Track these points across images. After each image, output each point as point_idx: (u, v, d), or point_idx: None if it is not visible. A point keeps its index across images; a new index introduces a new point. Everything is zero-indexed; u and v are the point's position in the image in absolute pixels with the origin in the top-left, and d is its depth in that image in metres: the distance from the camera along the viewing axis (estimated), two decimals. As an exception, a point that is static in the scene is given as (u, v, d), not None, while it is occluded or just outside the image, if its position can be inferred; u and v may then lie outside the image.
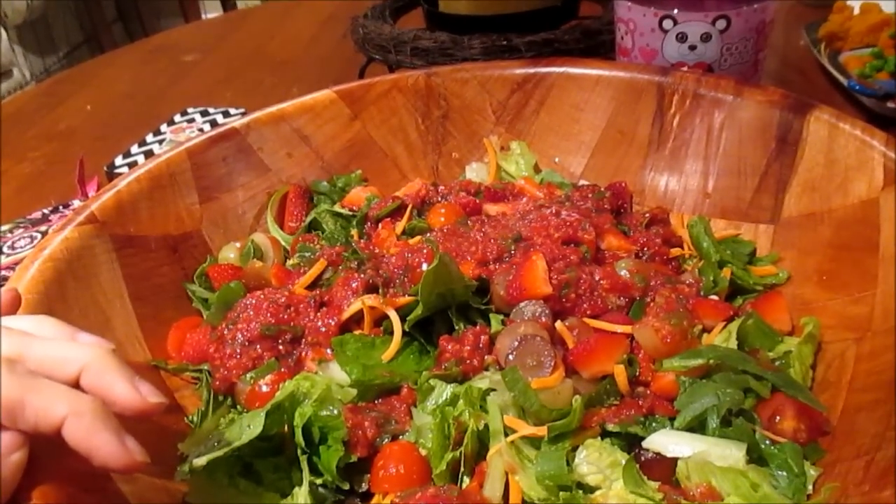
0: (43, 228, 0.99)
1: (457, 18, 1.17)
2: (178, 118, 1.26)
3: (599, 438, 0.59)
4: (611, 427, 0.59)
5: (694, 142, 0.84)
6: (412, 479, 0.58)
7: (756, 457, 0.57)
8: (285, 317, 0.69)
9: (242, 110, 1.23)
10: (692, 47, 0.93)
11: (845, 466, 0.55)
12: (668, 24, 0.93)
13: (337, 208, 0.87)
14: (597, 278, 0.69)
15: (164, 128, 1.24)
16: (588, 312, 0.67)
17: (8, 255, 0.95)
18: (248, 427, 0.57)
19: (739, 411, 0.59)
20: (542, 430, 0.58)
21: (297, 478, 0.59)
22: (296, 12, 1.79)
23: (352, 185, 0.90)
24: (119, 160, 1.16)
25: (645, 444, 0.58)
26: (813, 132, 0.76)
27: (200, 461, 0.55)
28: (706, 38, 0.92)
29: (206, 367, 0.71)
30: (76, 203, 1.04)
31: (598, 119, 0.90)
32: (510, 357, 0.62)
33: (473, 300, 0.68)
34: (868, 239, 0.68)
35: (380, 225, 0.81)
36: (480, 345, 0.65)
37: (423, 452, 0.60)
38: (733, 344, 0.65)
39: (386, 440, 0.61)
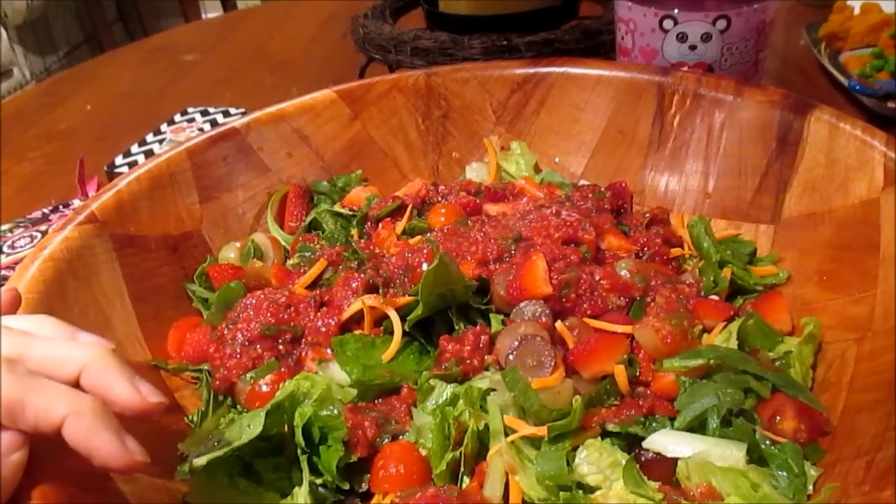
0: (43, 228, 0.99)
1: (457, 18, 1.17)
2: (178, 118, 1.26)
3: (600, 438, 0.59)
4: (611, 427, 0.59)
5: (694, 142, 0.84)
6: (412, 479, 0.58)
7: (756, 457, 0.57)
8: (285, 317, 0.69)
9: (242, 110, 1.23)
10: (692, 47, 0.93)
11: (846, 466, 0.55)
12: (668, 23, 0.93)
13: (337, 208, 0.87)
14: (597, 278, 0.69)
15: (164, 127, 1.24)
16: (588, 312, 0.67)
17: (8, 254, 0.95)
18: (248, 427, 0.57)
19: (740, 411, 0.59)
20: (542, 431, 0.58)
21: (297, 478, 0.59)
22: (296, 12, 1.79)
23: (352, 184, 0.90)
24: (119, 160, 1.16)
25: (645, 444, 0.58)
26: (813, 132, 0.76)
27: (200, 461, 0.55)
28: (706, 38, 0.92)
29: (206, 367, 0.71)
30: (76, 203, 1.04)
31: (598, 119, 0.90)
32: (510, 357, 0.62)
33: (474, 300, 0.68)
34: (868, 239, 0.68)
35: (380, 225, 0.81)
36: (480, 345, 0.65)
37: (424, 452, 0.60)
38: (734, 344, 0.65)
39: (386, 440, 0.61)
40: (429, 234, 0.75)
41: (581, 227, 0.72)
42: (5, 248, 0.96)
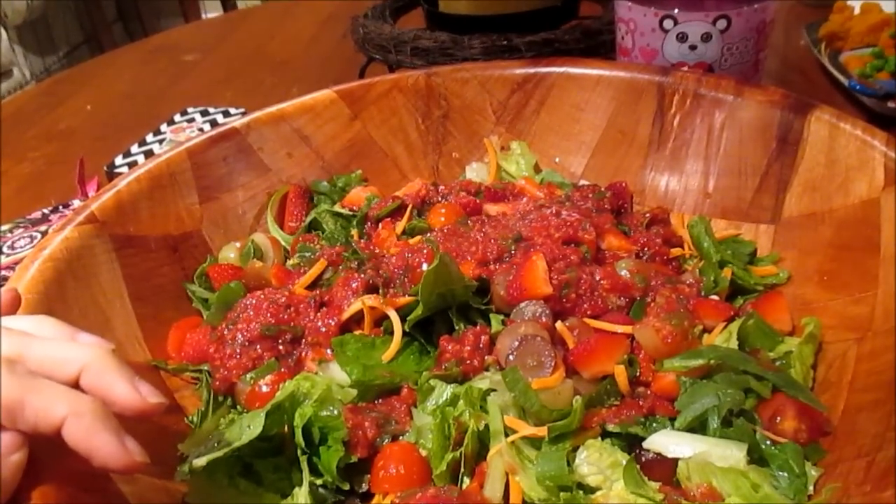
0: (43, 228, 0.99)
1: (457, 18, 1.17)
2: (178, 118, 1.26)
3: (600, 439, 0.59)
4: (611, 427, 0.59)
5: (694, 142, 0.84)
6: (412, 480, 0.58)
7: (757, 457, 0.57)
8: (285, 317, 0.69)
9: (242, 110, 1.23)
10: (693, 47, 0.93)
11: (846, 467, 0.55)
12: (668, 23, 0.93)
13: (337, 208, 0.87)
14: (597, 278, 0.68)
15: (164, 127, 1.24)
16: (588, 312, 0.67)
17: (8, 254, 0.95)
18: (248, 427, 0.57)
19: (740, 412, 0.59)
20: (542, 431, 0.58)
21: (297, 478, 0.59)
22: (296, 12, 1.79)
23: (352, 185, 0.90)
24: (119, 160, 1.16)
25: (645, 444, 0.58)
26: (814, 132, 0.76)
27: (200, 461, 0.55)
28: (707, 37, 0.92)
29: (206, 368, 0.71)
30: (76, 203, 1.04)
31: (598, 119, 0.90)
32: (510, 357, 0.62)
33: (474, 300, 0.68)
34: (869, 239, 0.68)
35: (380, 225, 0.81)
36: (481, 345, 0.65)
37: (424, 453, 0.60)
38: (734, 344, 0.65)
39: (386, 440, 0.61)
40: (429, 235, 0.75)
41: (581, 227, 0.72)
42: (5, 249, 0.96)
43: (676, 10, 0.92)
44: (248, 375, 0.67)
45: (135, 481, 0.56)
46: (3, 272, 0.91)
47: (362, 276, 0.70)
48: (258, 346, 0.68)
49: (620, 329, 0.65)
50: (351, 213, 0.86)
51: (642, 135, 0.87)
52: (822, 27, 1.24)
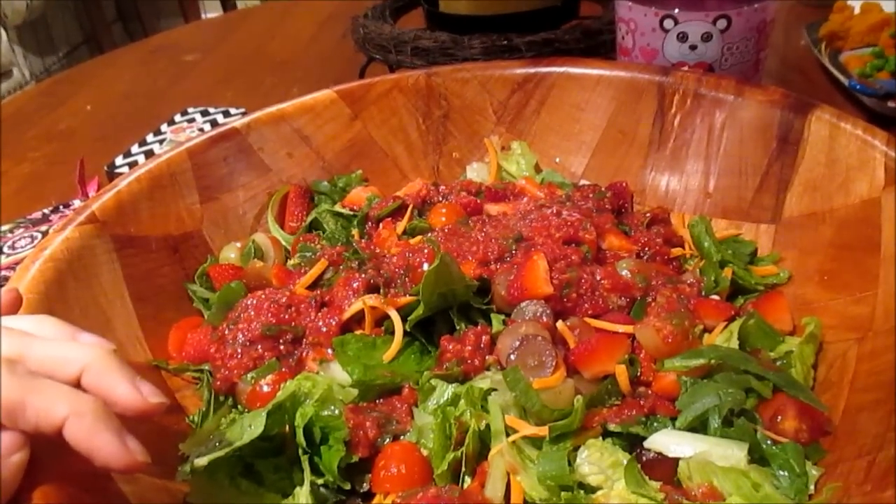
0: (43, 228, 0.99)
1: (457, 18, 1.17)
2: (178, 118, 1.26)
3: (601, 438, 0.59)
4: (612, 427, 0.59)
5: (695, 141, 0.84)
6: (413, 480, 0.58)
7: (758, 457, 0.57)
8: (286, 317, 0.69)
9: (243, 110, 1.23)
10: (693, 47, 0.93)
11: (847, 466, 0.55)
12: (668, 23, 0.93)
13: (338, 208, 0.87)
14: (598, 278, 0.68)
15: (164, 128, 1.24)
16: (589, 312, 0.67)
17: (8, 254, 0.95)
18: (250, 427, 0.57)
19: (741, 411, 0.59)
20: (543, 430, 0.58)
21: (298, 478, 0.59)
22: (296, 12, 1.79)
23: (352, 185, 0.90)
24: (119, 160, 1.16)
25: (646, 444, 0.58)
26: (814, 132, 0.76)
27: (201, 461, 0.55)
28: (707, 37, 0.92)
29: (207, 368, 0.71)
30: (77, 203, 1.04)
31: (598, 119, 0.90)
32: (511, 357, 0.62)
33: (474, 300, 0.68)
34: (869, 239, 0.68)
35: (381, 225, 0.81)
36: (482, 345, 0.65)
37: (425, 452, 0.60)
38: (735, 344, 0.65)
39: (387, 440, 0.61)
40: (429, 234, 0.75)
41: (582, 226, 0.72)
42: (6, 249, 0.96)
43: (677, 10, 0.92)
44: (249, 375, 0.67)
45: (136, 481, 0.56)
46: (4, 272, 0.91)
47: (363, 275, 0.70)
48: (259, 346, 0.68)
49: (621, 329, 0.65)
50: (352, 213, 0.86)
51: (643, 135, 0.87)
52: (823, 27, 1.24)
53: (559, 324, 0.65)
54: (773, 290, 0.73)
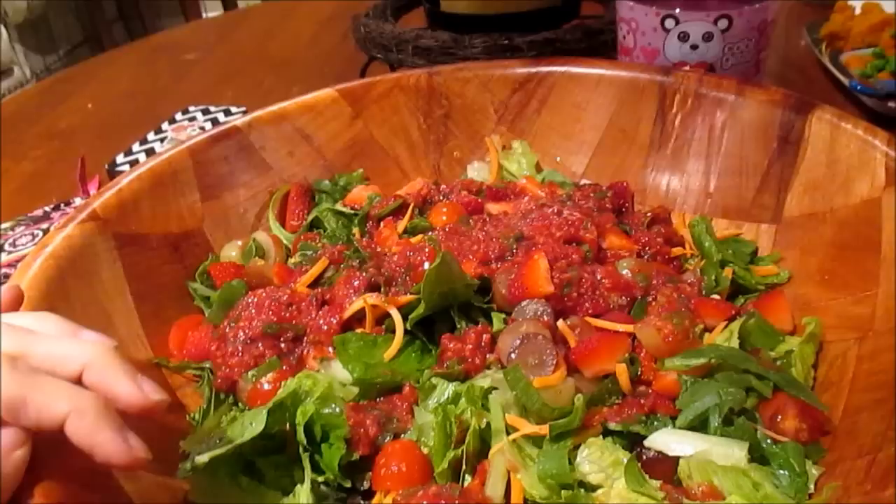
0: (44, 226, 0.99)
1: (458, 17, 1.17)
2: (179, 116, 1.26)
3: (601, 437, 0.59)
4: (612, 426, 0.59)
5: (696, 141, 0.84)
6: (414, 478, 0.58)
7: (758, 456, 0.57)
8: (287, 315, 0.69)
9: (244, 109, 1.23)
10: (694, 47, 0.93)
11: (847, 466, 0.55)
12: (669, 23, 0.93)
13: (339, 207, 0.87)
14: (598, 277, 0.69)
15: (165, 126, 1.24)
16: (590, 311, 0.67)
17: (9, 252, 0.95)
18: (250, 425, 0.57)
19: (741, 410, 0.59)
20: (543, 429, 0.58)
21: (299, 476, 0.59)
22: (296, 11, 1.79)
23: (353, 183, 0.90)
24: (120, 158, 1.16)
25: (647, 442, 0.58)
26: (815, 132, 0.76)
27: (202, 459, 0.55)
28: (708, 37, 0.92)
29: (207, 365, 0.71)
30: (78, 201, 1.04)
31: (599, 118, 0.90)
32: (512, 356, 0.62)
33: (475, 299, 0.68)
34: (870, 239, 0.68)
35: (381, 224, 0.81)
36: (482, 343, 0.65)
37: (425, 451, 0.60)
38: (735, 343, 0.65)
39: (388, 438, 0.61)
40: (430, 233, 0.75)
41: (583, 226, 0.72)
42: (7, 246, 0.96)
43: (678, 10, 0.92)
44: (250, 373, 0.67)
45: (137, 479, 0.56)
46: (5, 270, 0.91)
47: (364, 274, 0.71)
48: (260, 344, 0.68)
49: (622, 328, 0.65)
50: (352, 211, 0.86)
51: (643, 134, 0.88)
52: (823, 27, 1.25)
53: (560, 323, 0.65)
54: (773, 289, 0.73)
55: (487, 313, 0.68)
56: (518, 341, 0.62)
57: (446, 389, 0.63)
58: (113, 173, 1.12)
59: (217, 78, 1.51)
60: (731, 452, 0.56)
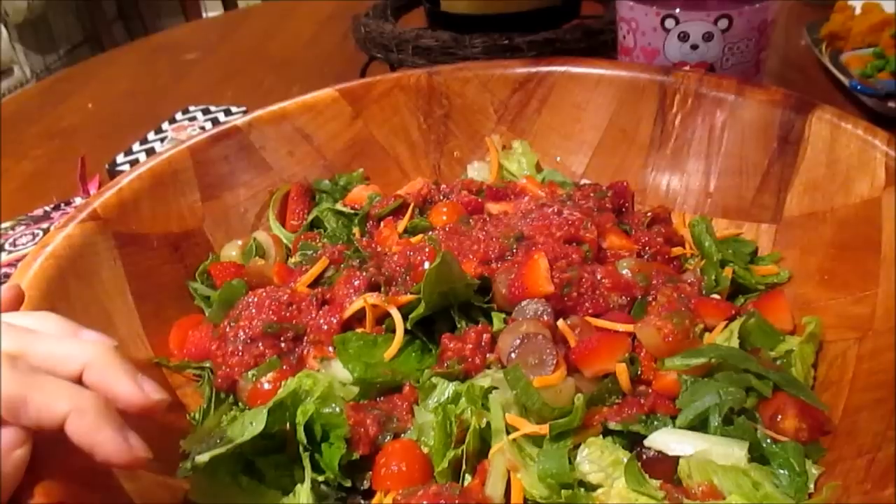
0: (45, 226, 0.99)
1: (458, 17, 1.17)
2: (179, 116, 1.26)
3: (601, 437, 0.59)
4: (612, 425, 0.59)
5: (696, 141, 0.84)
6: (414, 477, 0.58)
7: (758, 455, 0.57)
8: (287, 315, 0.69)
9: (244, 109, 1.24)
10: (694, 47, 0.93)
11: (847, 465, 0.55)
12: (670, 23, 0.93)
13: (339, 207, 0.87)
14: (598, 277, 0.69)
15: (165, 126, 1.24)
16: (590, 311, 0.67)
17: (10, 251, 0.95)
18: (251, 424, 0.57)
19: (741, 410, 0.59)
20: (543, 429, 0.58)
21: (299, 475, 0.59)
22: (296, 11, 1.79)
23: (354, 183, 0.90)
24: (120, 158, 1.16)
25: (647, 442, 0.58)
26: (815, 132, 0.76)
27: (203, 458, 0.55)
28: (708, 37, 0.92)
29: (208, 365, 0.71)
30: (78, 201, 1.04)
31: (599, 118, 0.90)
32: (512, 355, 0.62)
33: (475, 299, 0.68)
34: (870, 238, 0.68)
35: (382, 223, 0.81)
36: (482, 343, 0.65)
37: (425, 450, 0.60)
38: (735, 343, 0.65)
39: (388, 438, 0.61)
40: (430, 233, 0.76)
41: (583, 226, 0.72)
42: (7, 246, 0.96)
43: (678, 10, 0.92)
44: (251, 373, 0.67)
45: (137, 478, 0.56)
46: (5, 269, 0.91)
47: (364, 274, 0.71)
48: (260, 344, 0.68)
49: (622, 328, 0.65)
50: (353, 211, 0.86)
51: (643, 134, 0.88)
52: (823, 27, 1.25)
53: (560, 322, 0.65)
54: (773, 289, 0.73)
55: (487, 313, 0.68)
56: (518, 341, 0.62)
57: (446, 389, 0.63)
58: (113, 173, 1.12)
59: (217, 78, 1.51)
60: (731, 452, 0.56)
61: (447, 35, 1.14)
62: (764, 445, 0.58)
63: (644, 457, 0.58)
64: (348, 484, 0.59)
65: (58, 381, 0.48)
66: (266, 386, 0.66)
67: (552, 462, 0.56)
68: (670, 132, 0.86)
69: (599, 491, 0.56)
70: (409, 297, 0.68)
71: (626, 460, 0.56)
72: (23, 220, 1.02)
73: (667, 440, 0.58)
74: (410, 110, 0.95)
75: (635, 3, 0.95)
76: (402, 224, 0.80)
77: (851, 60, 1.18)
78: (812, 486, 0.56)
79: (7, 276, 0.88)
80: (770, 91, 0.81)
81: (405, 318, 0.67)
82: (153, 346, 0.72)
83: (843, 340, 0.66)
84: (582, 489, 0.56)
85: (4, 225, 1.01)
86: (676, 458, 0.57)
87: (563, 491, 0.55)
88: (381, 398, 0.65)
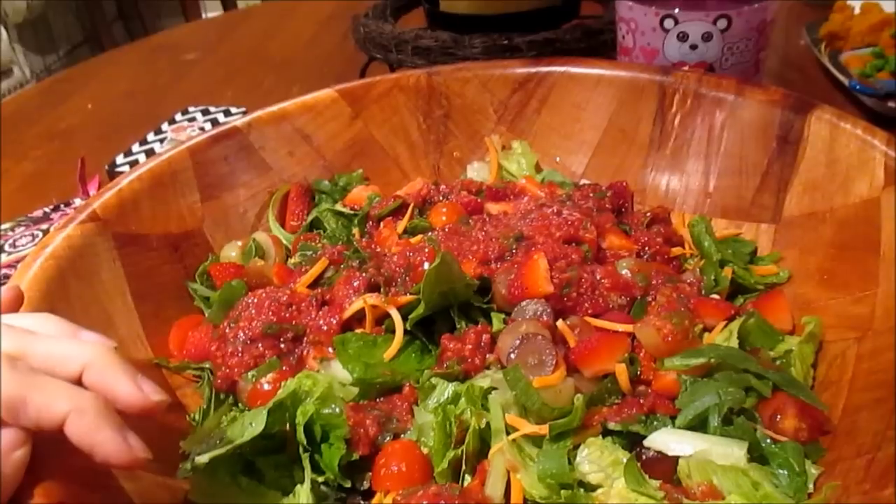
0: (44, 227, 0.99)
1: (458, 18, 1.17)
2: (178, 117, 1.26)
3: (601, 437, 0.59)
4: (612, 426, 0.59)
5: (695, 141, 0.84)
6: (414, 478, 0.58)
7: (757, 455, 0.58)
8: (287, 315, 0.70)
9: (243, 109, 1.24)
10: (693, 47, 0.93)
11: (846, 465, 0.55)
12: (669, 23, 0.93)
13: (338, 207, 0.87)
14: (598, 277, 0.69)
15: (165, 126, 1.24)
16: (589, 311, 0.67)
17: (9, 253, 0.95)
18: (251, 425, 0.57)
19: (741, 410, 0.59)
20: (543, 429, 0.58)
21: (299, 476, 0.60)
22: (296, 12, 1.79)
23: (353, 184, 0.90)
24: (120, 159, 1.16)
25: (646, 442, 0.58)
26: (814, 132, 0.76)
27: (202, 459, 0.55)
28: (707, 37, 0.92)
29: (207, 366, 0.71)
30: (77, 201, 1.04)
31: (599, 118, 0.90)
32: (512, 356, 0.62)
33: (475, 299, 0.68)
34: (869, 238, 0.68)
35: (381, 224, 0.81)
36: (482, 343, 0.65)
37: (425, 451, 0.60)
38: (734, 343, 0.65)
39: (388, 438, 0.61)
40: (430, 233, 0.76)
41: (582, 226, 0.73)
42: (7, 247, 0.96)
43: (677, 10, 0.92)
44: (250, 373, 0.67)
45: (137, 478, 0.56)
46: (5, 270, 0.91)
47: (364, 274, 0.71)
48: (260, 345, 0.68)
49: (621, 328, 0.65)
50: (352, 212, 0.86)
51: (643, 134, 0.88)
52: (823, 27, 1.25)
53: (559, 323, 0.65)
54: (772, 289, 0.73)
55: (487, 313, 0.68)
56: (518, 341, 0.62)
57: (446, 389, 0.63)
58: (113, 174, 1.12)
59: (217, 78, 1.51)
60: (731, 452, 0.56)
61: (447, 35, 1.14)
62: (763, 445, 0.58)
63: (644, 457, 0.58)
64: (348, 484, 0.59)
65: (57, 381, 0.48)
66: (266, 386, 0.66)
67: (552, 462, 0.56)
68: (670, 132, 0.86)
69: (599, 491, 0.56)
70: (409, 297, 0.68)
71: (625, 460, 0.56)
72: (22, 221, 1.02)
73: (666, 440, 0.58)
74: (410, 111, 0.95)
75: (634, 4, 0.95)
76: (402, 224, 0.80)
77: (851, 60, 1.18)
78: (811, 485, 0.56)
79: (7, 277, 0.88)
80: (769, 91, 0.81)
81: (405, 318, 0.67)
82: (153, 347, 0.72)
83: (843, 340, 0.66)
84: (581, 489, 0.56)
85: (4, 226, 1.01)
86: (676, 459, 0.57)
87: (562, 491, 0.55)
88: (381, 399, 0.65)
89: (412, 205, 0.82)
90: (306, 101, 0.92)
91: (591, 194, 0.81)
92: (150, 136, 1.21)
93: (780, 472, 0.56)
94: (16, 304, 0.59)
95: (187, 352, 0.72)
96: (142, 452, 0.48)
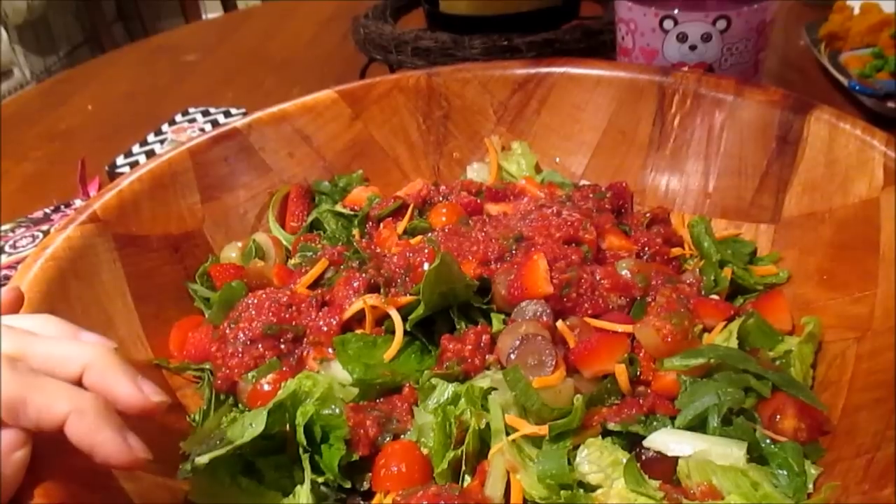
0: (44, 228, 0.99)
1: (458, 18, 1.17)
2: (179, 118, 1.26)
3: (600, 437, 0.59)
4: (612, 426, 0.59)
5: (695, 142, 0.85)
6: (414, 478, 0.58)
7: (757, 456, 0.58)
8: (287, 316, 0.70)
9: (243, 110, 1.24)
10: (693, 47, 0.93)
11: (846, 465, 0.55)
12: (668, 24, 0.93)
13: (338, 208, 0.87)
14: (598, 278, 0.69)
15: (165, 127, 1.24)
16: (589, 312, 0.67)
17: (9, 254, 0.95)
18: (250, 426, 0.57)
19: (740, 410, 0.60)
20: (543, 429, 0.58)
21: (298, 476, 0.60)
22: (296, 12, 1.79)
23: (353, 184, 0.90)
24: (120, 160, 1.16)
25: (646, 442, 0.58)
26: (813, 132, 0.76)
27: (202, 459, 0.55)
28: (707, 38, 0.92)
29: (207, 366, 0.71)
30: (78, 202, 1.04)
31: (598, 119, 0.90)
32: (511, 356, 0.62)
33: (475, 299, 0.68)
34: (869, 238, 0.68)
35: (381, 225, 0.81)
36: (482, 344, 0.65)
37: (425, 451, 0.60)
38: (734, 343, 0.65)
39: (387, 439, 0.61)
40: (430, 234, 0.76)
41: (582, 226, 0.73)
42: (7, 248, 0.96)
43: (676, 11, 0.92)
44: (250, 374, 0.67)
45: (137, 479, 0.56)
46: (6, 271, 0.92)
47: (364, 275, 0.71)
48: (260, 345, 0.68)
49: (621, 328, 0.65)
50: (352, 212, 0.86)
51: (643, 135, 0.88)
52: (822, 27, 1.25)
53: (559, 323, 0.65)
54: (772, 289, 0.73)
55: (487, 314, 0.69)
56: (517, 342, 0.62)
57: (446, 390, 0.63)
58: (113, 175, 1.12)
59: (217, 79, 1.51)
60: (730, 452, 0.56)
61: (446, 36, 1.14)
62: (763, 445, 0.58)
63: (643, 457, 0.58)
64: (348, 485, 0.60)
65: (57, 382, 0.48)
66: (266, 387, 0.66)
67: (551, 463, 0.56)
68: (669, 133, 0.86)
69: (599, 491, 0.56)
70: (409, 298, 0.68)
71: (625, 461, 0.57)
72: (23, 222, 1.02)
73: (666, 440, 0.58)
74: (410, 111, 0.95)
75: (634, 4, 0.95)
76: (402, 225, 0.80)
77: (850, 61, 1.18)
78: (811, 486, 0.56)
79: (7, 278, 0.88)
80: (769, 91, 0.81)
81: (405, 319, 0.67)
82: (153, 348, 0.72)
83: (842, 340, 0.66)
84: (581, 490, 0.56)
85: (4, 227, 1.01)
86: (675, 459, 0.57)
87: (562, 491, 0.55)
88: (381, 399, 0.65)
89: (412, 205, 0.82)
90: (306, 102, 0.92)
91: (591, 195, 0.81)
92: (151, 137, 1.21)
93: (780, 472, 0.56)
94: (16, 306, 0.59)
95: (187, 352, 0.72)
96: (142, 453, 0.48)
